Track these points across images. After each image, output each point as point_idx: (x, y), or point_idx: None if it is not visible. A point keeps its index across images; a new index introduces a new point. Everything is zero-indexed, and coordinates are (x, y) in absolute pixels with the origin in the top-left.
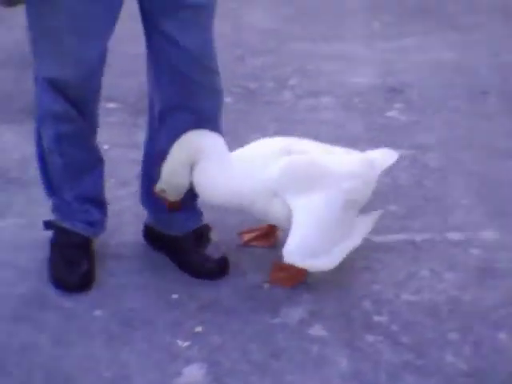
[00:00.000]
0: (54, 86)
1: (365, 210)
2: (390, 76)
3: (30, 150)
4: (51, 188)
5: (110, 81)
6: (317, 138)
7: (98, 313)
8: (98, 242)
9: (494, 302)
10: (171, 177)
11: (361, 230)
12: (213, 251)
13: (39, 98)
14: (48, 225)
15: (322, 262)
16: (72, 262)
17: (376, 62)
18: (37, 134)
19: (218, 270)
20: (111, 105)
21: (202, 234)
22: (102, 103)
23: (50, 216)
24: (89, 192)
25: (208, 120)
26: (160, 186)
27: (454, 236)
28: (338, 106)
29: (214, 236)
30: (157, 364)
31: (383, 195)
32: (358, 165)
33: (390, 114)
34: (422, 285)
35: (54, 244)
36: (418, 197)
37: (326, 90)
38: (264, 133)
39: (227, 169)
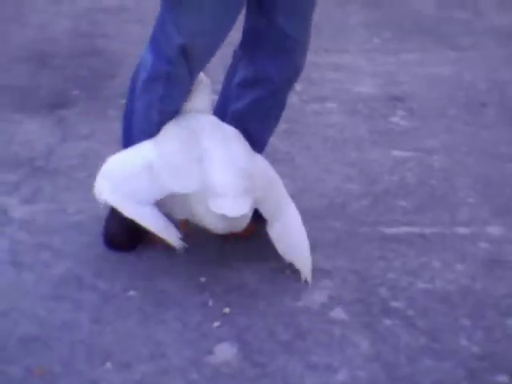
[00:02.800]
0: (182, 52)
1: (374, 204)
2: (392, 86)
3: (53, 140)
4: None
5: (123, 80)
6: (325, 139)
7: (132, 293)
8: None
9: (503, 291)
10: None
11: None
12: None
13: (151, 60)
14: None
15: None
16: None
17: (377, 73)
18: (132, 96)
19: None
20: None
21: None
22: (118, 100)
23: (80, 202)
24: None
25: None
26: None
27: (461, 230)
28: (342, 111)
29: None
30: (190, 342)
31: (391, 191)
32: None
33: (393, 119)
34: (434, 274)
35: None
36: (425, 194)
37: (331, 97)
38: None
39: None
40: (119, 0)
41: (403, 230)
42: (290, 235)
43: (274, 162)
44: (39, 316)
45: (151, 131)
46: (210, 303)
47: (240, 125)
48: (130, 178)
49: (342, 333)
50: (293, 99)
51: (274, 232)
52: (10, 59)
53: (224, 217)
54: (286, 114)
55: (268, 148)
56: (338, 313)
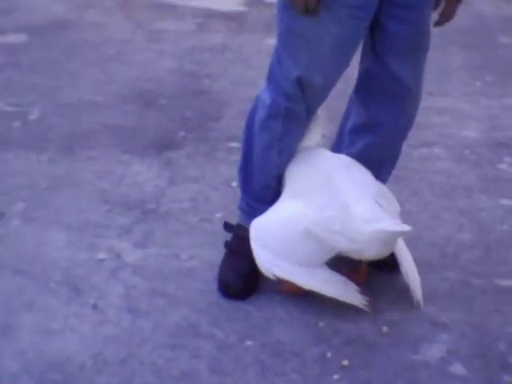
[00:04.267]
0: (300, 85)
1: (487, 254)
2: (497, 132)
3: (162, 182)
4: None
5: (229, 122)
6: (433, 186)
7: (249, 343)
8: None
9: None
10: None
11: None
12: None
13: (269, 98)
14: (228, 227)
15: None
16: (240, 268)
17: (482, 117)
18: (249, 138)
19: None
20: (233, 144)
21: None
22: (225, 143)
23: (193, 247)
24: None
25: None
26: None
27: None
28: (449, 157)
29: None
30: None
31: (503, 241)
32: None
33: (500, 166)
34: None
35: (229, 248)
36: None
37: (437, 142)
38: None
39: None
40: (222, 39)
41: None
42: (405, 257)
43: None
44: (157, 365)
45: (271, 172)
46: (329, 355)
47: None
48: (296, 246)
49: None
50: None
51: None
52: (116, 99)
53: (385, 237)
54: None
55: None
56: (458, 368)
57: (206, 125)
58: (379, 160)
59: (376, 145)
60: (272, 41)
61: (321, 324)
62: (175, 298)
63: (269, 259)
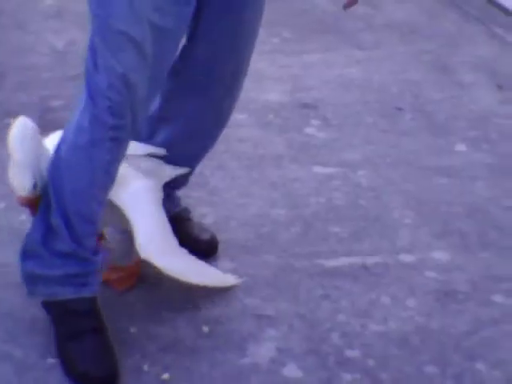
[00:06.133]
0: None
1: (306, 232)
2: (300, 92)
3: None
4: None
5: (7, 95)
6: (239, 158)
7: (51, 361)
8: None
9: (463, 328)
10: None
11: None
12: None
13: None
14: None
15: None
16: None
17: (282, 77)
18: None
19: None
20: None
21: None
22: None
23: None
24: None
25: None
26: None
27: (405, 258)
28: (253, 123)
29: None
30: None
31: (321, 215)
32: None
33: (308, 130)
34: (386, 313)
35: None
36: (358, 217)
37: (237, 106)
38: None
39: None
40: None
41: (343, 261)
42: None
43: (186, 186)
44: None
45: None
46: (145, 367)
47: None
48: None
49: None
50: None
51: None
52: None
53: None
54: None
55: None
56: (292, 369)
57: None
58: None
59: None
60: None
61: (132, 329)
62: None
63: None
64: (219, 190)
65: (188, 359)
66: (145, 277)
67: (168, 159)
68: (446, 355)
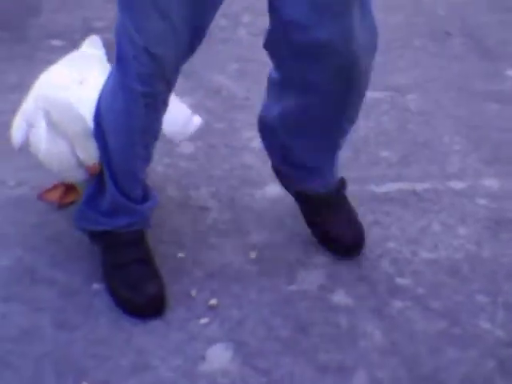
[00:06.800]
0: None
1: (357, 156)
2: None
3: None
4: None
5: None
6: None
7: (96, 286)
8: None
9: None
10: None
11: None
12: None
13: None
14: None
15: None
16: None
17: None
18: None
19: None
20: (55, 42)
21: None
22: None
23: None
24: None
25: None
26: None
27: (456, 185)
28: None
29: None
30: (177, 347)
31: (371, 139)
32: None
33: None
34: (437, 241)
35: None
36: (407, 142)
37: None
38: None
39: None
40: None
41: (393, 186)
42: None
43: (233, 108)
44: None
45: (136, 173)
46: (193, 293)
47: None
48: None
49: (349, 322)
50: (241, 32)
51: None
52: None
53: None
54: (237, 52)
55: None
56: (341, 296)
57: (24, 21)
58: None
59: None
60: None
61: (180, 255)
62: (4, 236)
63: None
64: None
65: (235, 285)
66: (192, 202)
67: None
68: (496, 284)
